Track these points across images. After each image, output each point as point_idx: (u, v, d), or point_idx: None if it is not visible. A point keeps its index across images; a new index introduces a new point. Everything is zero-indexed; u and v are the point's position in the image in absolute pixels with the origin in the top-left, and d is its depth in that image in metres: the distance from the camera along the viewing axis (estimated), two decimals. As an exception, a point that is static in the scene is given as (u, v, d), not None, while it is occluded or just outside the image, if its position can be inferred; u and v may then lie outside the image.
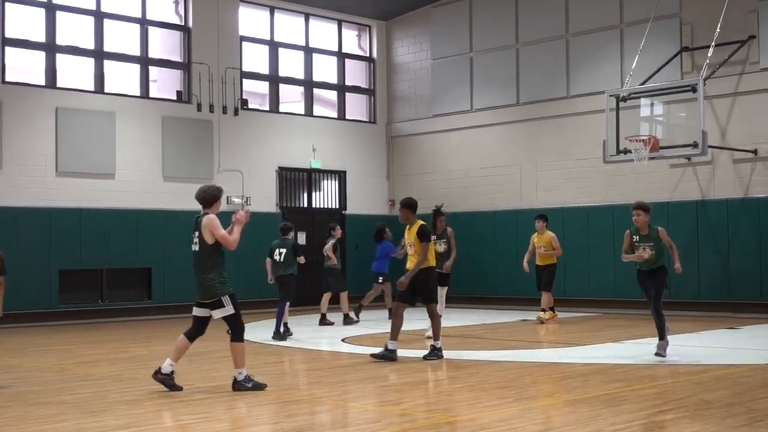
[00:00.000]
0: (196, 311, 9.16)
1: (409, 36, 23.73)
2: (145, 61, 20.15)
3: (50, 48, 18.77)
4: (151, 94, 20.27)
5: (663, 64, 18.44)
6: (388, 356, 11.07)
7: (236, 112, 21.07)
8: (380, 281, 17.41)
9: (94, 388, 9.26)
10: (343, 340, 13.95)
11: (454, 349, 12.88)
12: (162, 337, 15.46)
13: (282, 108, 22.50)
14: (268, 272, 14.86)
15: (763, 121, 17.89)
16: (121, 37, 19.89)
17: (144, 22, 20.14)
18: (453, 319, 17.75)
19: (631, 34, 19.48)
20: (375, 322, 16.76)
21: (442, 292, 13.56)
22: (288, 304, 14.40)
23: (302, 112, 22.84)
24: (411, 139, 23.62)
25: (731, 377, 9.50)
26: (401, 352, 11.54)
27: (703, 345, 13.21)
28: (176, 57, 20.65)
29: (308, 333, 15.29)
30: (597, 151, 18.29)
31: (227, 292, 8.93)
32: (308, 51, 22.97)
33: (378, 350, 11.36)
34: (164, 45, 20.72)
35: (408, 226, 11.52)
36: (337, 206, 23.01)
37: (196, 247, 8.98)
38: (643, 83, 18.16)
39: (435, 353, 11.28)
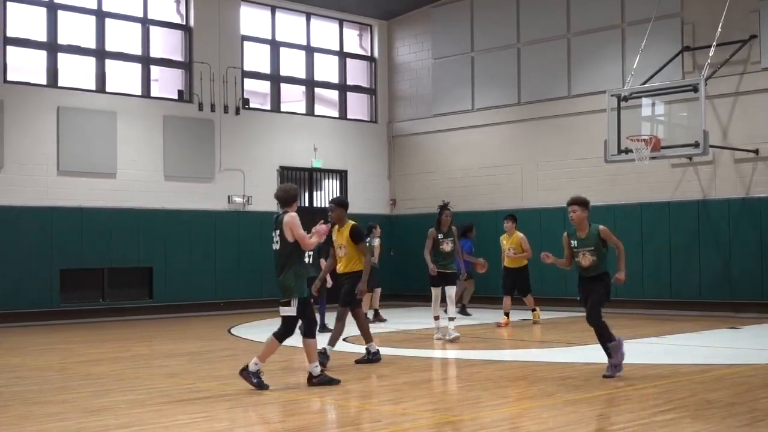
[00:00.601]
0: (281, 311, 9.20)
1: (411, 35, 23.73)
2: (146, 61, 20.16)
3: (52, 47, 18.78)
4: (153, 94, 20.28)
5: (664, 64, 18.43)
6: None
7: (237, 112, 21.07)
8: (463, 278, 18.08)
9: (95, 387, 9.27)
10: (344, 340, 13.94)
11: (455, 348, 12.88)
12: (163, 336, 15.48)
13: (283, 107, 22.50)
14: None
15: (764, 120, 17.87)
16: (123, 37, 19.90)
17: (145, 22, 20.15)
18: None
19: (632, 34, 19.48)
20: (382, 322, 16.75)
21: (450, 292, 13.22)
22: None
23: (303, 112, 22.85)
24: (412, 139, 23.62)
25: (733, 377, 9.49)
26: (404, 351, 11.53)
27: (704, 345, 13.20)
28: (177, 56, 20.66)
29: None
30: (598, 150, 18.29)
31: (299, 295, 8.98)
32: (309, 50, 22.97)
33: (376, 350, 11.32)
34: (166, 44, 20.73)
35: (338, 227, 10.94)
36: (339, 206, 22.98)
37: (276, 246, 9.10)
38: (644, 83, 18.15)
39: (370, 356, 10.83)
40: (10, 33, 18.25)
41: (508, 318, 16.30)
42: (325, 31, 23.44)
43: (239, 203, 20.91)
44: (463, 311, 18.28)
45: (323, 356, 10.24)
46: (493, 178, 21.77)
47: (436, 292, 13.32)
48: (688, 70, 18.70)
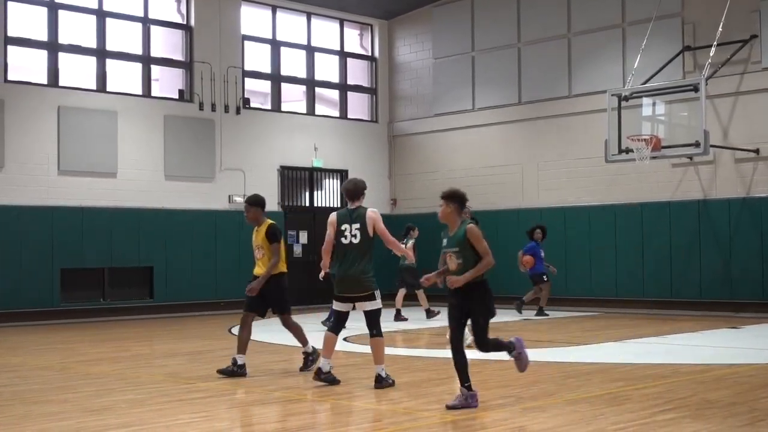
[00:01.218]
0: (340, 306, 9.06)
1: (411, 35, 23.73)
2: (147, 60, 20.16)
3: (52, 47, 18.78)
4: (153, 93, 20.29)
5: (665, 64, 18.43)
6: (237, 372, 9.86)
7: (238, 111, 21.08)
8: (545, 279, 18.52)
9: (95, 387, 9.27)
10: (345, 339, 13.94)
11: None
12: (163, 335, 15.48)
13: (284, 107, 22.51)
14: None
15: (765, 120, 17.87)
16: (124, 36, 19.91)
17: (146, 21, 20.15)
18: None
19: (632, 34, 19.47)
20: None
21: None
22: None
23: (304, 111, 22.85)
24: (412, 139, 23.62)
25: (733, 377, 9.49)
26: (404, 351, 11.52)
27: (704, 344, 13.20)
28: (178, 56, 20.66)
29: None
30: (599, 150, 18.29)
31: (378, 287, 9.00)
32: (310, 50, 22.97)
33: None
34: (166, 44, 20.74)
35: (256, 227, 10.33)
36: (339, 205, 22.99)
37: (355, 240, 8.95)
38: (644, 83, 18.15)
39: (310, 360, 10.18)
40: (10, 32, 18.25)
41: None
42: (325, 31, 23.44)
43: (240, 203, 20.91)
44: (540, 312, 18.47)
45: (240, 368, 9.80)
46: (494, 178, 21.77)
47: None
48: (689, 70, 18.71)
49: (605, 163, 18.37)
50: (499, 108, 21.87)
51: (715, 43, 17.07)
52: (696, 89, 16.41)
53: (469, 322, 7.88)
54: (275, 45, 22.29)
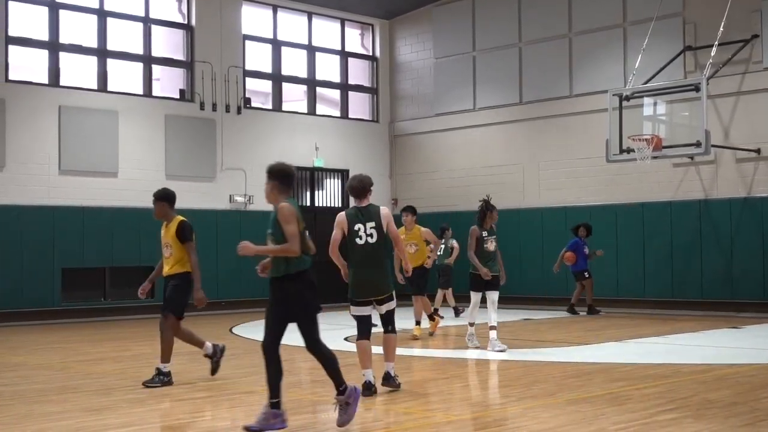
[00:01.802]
0: (361, 310, 8.53)
1: (412, 35, 23.73)
2: (148, 60, 20.16)
3: (53, 46, 18.78)
4: (154, 93, 20.29)
5: (666, 64, 18.42)
6: (165, 381, 9.25)
7: (239, 111, 21.08)
8: (587, 276, 18.64)
9: (96, 387, 9.27)
10: (345, 339, 13.94)
11: (456, 348, 12.88)
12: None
13: (285, 107, 22.51)
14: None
15: (766, 120, 17.87)
16: (124, 36, 19.91)
17: (147, 21, 20.15)
18: (455, 318, 17.75)
19: (634, 34, 19.47)
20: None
21: (494, 296, 11.93)
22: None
23: (305, 111, 22.85)
24: (413, 138, 23.62)
25: (734, 377, 9.49)
26: (404, 351, 11.49)
27: (706, 344, 13.20)
28: (179, 56, 20.67)
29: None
30: (600, 150, 18.28)
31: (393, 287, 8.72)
32: (311, 50, 22.97)
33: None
34: (167, 43, 20.74)
35: (165, 223, 9.57)
36: (340, 205, 23.00)
37: (372, 240, 8.45)
38: (645, 82, 18.14)
39: (160, 378, 9.25)
40: (11, 32, 18.25)
41: (436, 317, 14.92)
42: (326, 31, 23.44)
43: (241, 203, 20.92)
44: (572, 311, 18.56)
45: (166, 375, 9.25)
46: (495, 178, 21.76)
47: (476, 297, 12.06)
48: (690, 70, 18.70)
49: (606, 163, 18.36)
50: (500, 108, 21.86)
51: (716, 42, 17.06)
52: (697, 89, 16.40)
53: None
54: (276, 45, 22.29)
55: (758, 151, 17.84)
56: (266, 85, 22.46)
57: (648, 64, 18.23)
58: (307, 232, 7.06)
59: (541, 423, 7.16)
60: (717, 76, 17.60)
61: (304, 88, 23.02)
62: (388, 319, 8.66)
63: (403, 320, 13.41)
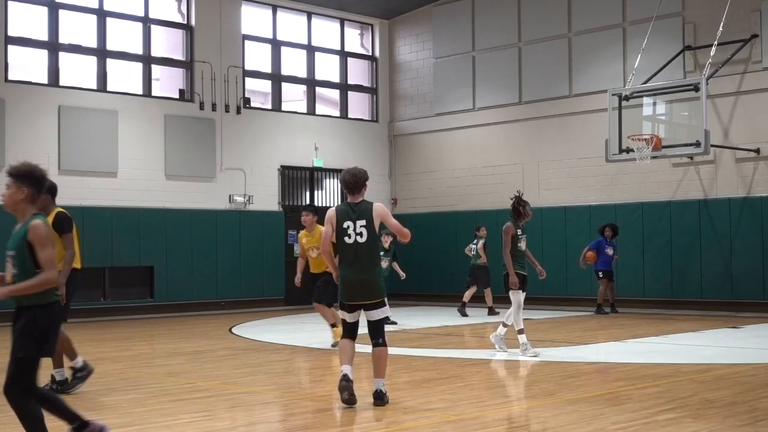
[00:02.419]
0: (349, 316, 7.96)
1: (412, 35, 23.73)
2: (147, 60, 20.16)
3: (53, 46, 18.78)
4: (154, 93, 20.29)
5: (665, 63, 18.43)
6: (82, 376, 8.85)
7: (239, 111, 21.08)
8: (599, 276, 18.71)
9: (96, 386, 9.26)
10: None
11: (456, 348, 12.88)
12: (164, 335, 15.48)
13: (284, 107, 22.51)
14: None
15: (765, 120, 17.88)
16: (124, 36, 19.91)
17: (147, 21, 20.15)
18: (455, 318, 17.77)
19: (633, 33, 19.48)
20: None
21: (520, 297, 11.31)
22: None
23: (304, 111, 22.85)
24: (413, 138, 23.63)
25: (734, 376, 9.49)
26: (405, 351, 11.48)
27: (705, 344, 13.20)
28: (179, 55, 20.67)
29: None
30: (599, 150, 18.30)
31: (386, 292, 8.00)
32: (311, 49, 22.97)
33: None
34: (167, 43, 20.74)
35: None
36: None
37: (361, 239, 7.87)
38: (645, 82, 18.15)
39: (77, 378, 8.83)
40: (11, 32, 18.25)
41: (337, 329, 12.19)
42: (326, 31, 23.45)
43: (240, 202, 20.92)
44: (601, 310, 18.58)
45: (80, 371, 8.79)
46: (495, 178, 21.78)
47: (519, 298, 11.24)
48: (690, 70, 18.71)
49: (606, 163, 18.37)
50: (499, 107, 21.87)
51: (715, 42, 17.07)
52: (696, 89, 16.41)
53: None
54: (276, 44, 22.29)
55: (758, 151, 17.85)
56: (266, 85, 22.46)
57: (648, 64, 18.24)
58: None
59: (541, 423, 7.16)
60: (716, 76, 17.61)
61: (304, 88, 23.02)
62: (377, 329, 7.92)
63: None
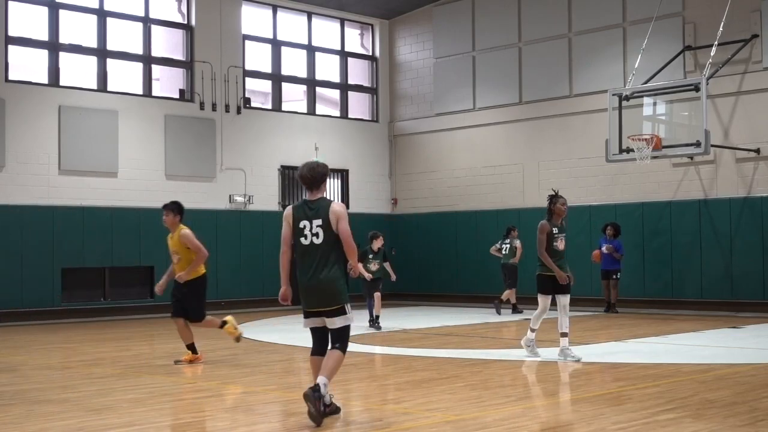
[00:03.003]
0: (308, 323, 7.38)
1: (412, 35, 23.73)
2: (147, 60, 20.17)
3: (53, 46, 18.79)
4: (154, 93, 20.29)
5: (666, 63, 18.43)
6: None
7: (239, 111, 21.08)
8: (615, 277, 18.82)
9: (97, 386, 9.27)
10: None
11: (456, 348, 12.88)
12: (164, 335, 15.48)
13: (284, 106, 22.51)
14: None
15: (765, 120, 17.87)
16: (124, 36, 19.91)
17: (147, 21, 20.15)
18: (456, 318, 17.76)
19: (633, 33, 19.48)
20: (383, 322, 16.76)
21: (565, 301, 10.93)
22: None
23: (305, 111, 22.85)
24: (413, 138, 23.63)
25: (734, 376, 9.49)
26: (405, 351, 11.47)
27: (705, 344, 13.20)
28: (179, 55, 20.67)
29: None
30: (600, 150, 18.30)
31: (349, 298, 7.29)
32: (311, 49, 22.97)
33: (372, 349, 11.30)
34: (167, 43, 20.74)
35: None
36: (340, 205, 22.99)
37: (317, 240, 7.23)
38: (645, 82, 18.15)
39: None
40: (11, 32, 18.26)
41: (191, 355, 11.11)
42: (326, 31, 23.45)
43: (241, 202, 20.92)
44: (607, 309, 18.82)
45: None
46: (495, 178, 21.78)
47: (545, 301, 10.98)
48: (690, 70, 18.71)
49: (606, 163, 18.38)
50: (500, 108, 21.87)
51: (715, 42, 17.07)
52: (697, 89, 16.41)
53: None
54: (276, 45, 22.29)
55: (758, 151, 17.85)
56: (266, 85, 22.46)
57: (648, 64, 18.24)
58: None
59: (541, 423, 7.16)
60: (717, 76, 17.61)
61: (304, 88, 23.02)
62: (338, 337, 7.30)
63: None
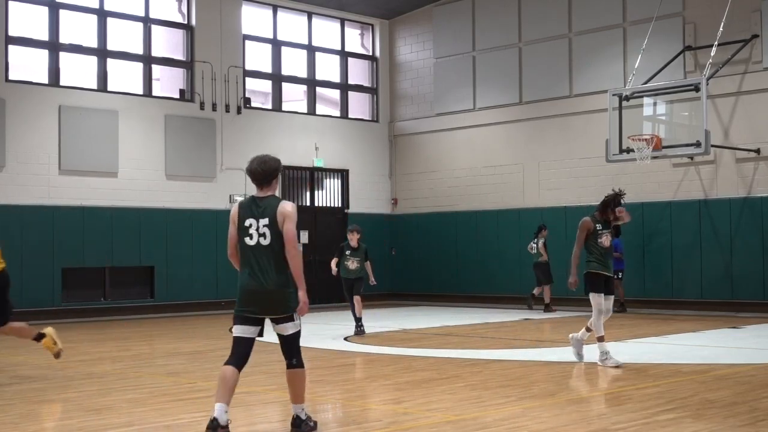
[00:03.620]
0: (242, 331, 6.76)
1: (412, 35, 23.73)
2: (148, 60, 20.17)
3: (53, 46, 18.79)
4: (154, 93, 20.29)
5: (666, 64, 18.43)
6: None
7: (239, 111, 21.08)
8: (618, 276, 18.54)
9: (96, 386, 9.27)
10: (345, 339, 13.95)
11: (456, 348, 12.88)
12: (164, 335, 15.48)
13: (285, 107, 22.51)
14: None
15: (766, 120, 17.87)
16: (124, 36, 19.91)
17: (147, 21, 20.15)
18: (456, 318, 17.77)
19: (634, 33, 19.47)
20: (372, 321, 16.75)
21: (608, 304, 10.48)
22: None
23: (305, 111, 22.85)
24: (413, 138, 23.62)
25: (734, 377, 9.49)
26: (405, 351, 11.46)
27: (705, 344, 13.20)
28: (179, 55, 20.67)
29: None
30: (600, 150, 18.30)
31: (296, 307, 6.76)
32: (311, 49, 22.97)
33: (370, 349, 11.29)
34: (167, 43, 20.74)
35: None
36: (340, 205, 23.02)
37: (265, 240, 6.69)
38: (645, 82, 18.15)
39: None
40: (12, 32, 18.26)
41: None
42: (326, 31, 23.45)
43: (241, 202, 20.91)
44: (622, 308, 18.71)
45: None
46: (495, 178, 21.78)
47: (599, 299, 10.36)
48: (690, 70, 18.71)
49: (606, 163, 18.37)
50: (500, 108, 21.87)
51: (716, 42, 17.07)
52: (697, 89, 16.41)
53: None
54: (276, 45, 22.29)
55: (758, 151, 17.84)
56: (266, 85, 22.46)
57: (648, 64, 18.24)
58: None
59: (542, 423, 7.16)
60: (717, 76, 17.60)
61: (304, 88, 23.03)
62: (290, 348, 6.80)
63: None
